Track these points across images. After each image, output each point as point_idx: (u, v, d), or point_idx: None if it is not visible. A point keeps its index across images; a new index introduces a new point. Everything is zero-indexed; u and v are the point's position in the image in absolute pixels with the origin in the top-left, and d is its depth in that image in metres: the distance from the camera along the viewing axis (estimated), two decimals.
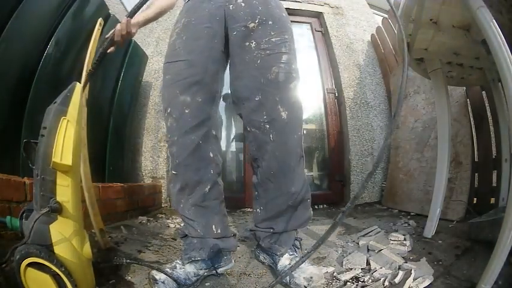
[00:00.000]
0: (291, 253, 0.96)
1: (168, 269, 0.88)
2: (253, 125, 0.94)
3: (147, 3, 1.00)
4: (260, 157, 0.95)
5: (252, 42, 0.92)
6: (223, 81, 1.02)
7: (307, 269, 0.88)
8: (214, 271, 0.95)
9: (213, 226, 0.94)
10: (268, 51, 0.91)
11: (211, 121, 0.95)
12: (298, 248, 1.00)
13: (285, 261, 0.94)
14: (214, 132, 0.96)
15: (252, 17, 0.93)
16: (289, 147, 0.92)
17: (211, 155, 0.94)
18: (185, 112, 0.90)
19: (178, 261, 0.93)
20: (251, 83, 0.92)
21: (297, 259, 0.88)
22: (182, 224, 0.99)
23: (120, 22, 0.94)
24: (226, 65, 1.01)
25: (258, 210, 1.01)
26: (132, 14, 0.94)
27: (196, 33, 0.94)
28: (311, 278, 0.85)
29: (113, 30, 0.95)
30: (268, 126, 0.91)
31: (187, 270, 0.90)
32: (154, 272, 0.86)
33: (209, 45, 0.94)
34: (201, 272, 0.92)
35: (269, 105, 0.91)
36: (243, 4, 0.95)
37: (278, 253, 0.96)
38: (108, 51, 0.95)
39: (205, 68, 0.93)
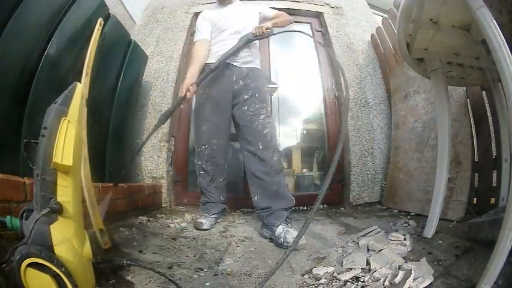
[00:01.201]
0: (283, 225, 1.42)
1: (203, 218, 1.67)
2: (245, 149, 1.61)
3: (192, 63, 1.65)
4: (250, 166, 1.57)
5: (245, 107, 1.61)
6: (230, 130, 1.75)
7: (294, 233, 1.35)
8: (219, 219, 1.79)
9: (221, 196, 1.76)
10: (253, 113, 1.59)
11: (226, 152, 1.77)
12: (288, 223, 1.47)
13: (280, 229, 1.40)
14: (224, 159, 1.74)
15: (246, 91, 1.62)
16: (266, 163, 1.52)
17: (226, 166, 1.77)
18: (214, 148, 1.69)
19: (206, 214, 1.71)
20: (245, 129, 1.60)
21: (288, 229, 1.37)
22: (203, 196, 1.77)
23: (187, 86, 1.51)
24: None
25: (256, 197, 1.54)
26: (199, 82, 1.56)
27: (217, 104, 1.66)
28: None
29: (182, 95, 1.51)
30: (252, 151, 1.56)
31: (212, 218, 1.70)
32: (199, 218, 1.67)
33: (223, 115, 1.67)
34: (214, 219, 1.72)
35: (253, 142, 1.57)
36: (242, 83, 1.63)
37: (275, 225, 1.43)
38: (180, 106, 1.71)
39: (221, 127, 1.68)
